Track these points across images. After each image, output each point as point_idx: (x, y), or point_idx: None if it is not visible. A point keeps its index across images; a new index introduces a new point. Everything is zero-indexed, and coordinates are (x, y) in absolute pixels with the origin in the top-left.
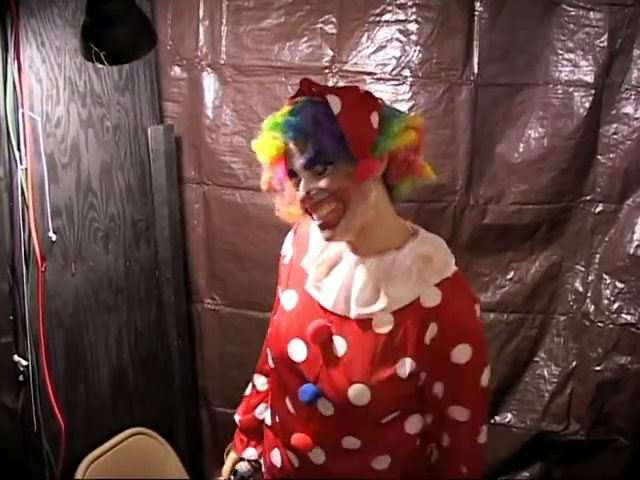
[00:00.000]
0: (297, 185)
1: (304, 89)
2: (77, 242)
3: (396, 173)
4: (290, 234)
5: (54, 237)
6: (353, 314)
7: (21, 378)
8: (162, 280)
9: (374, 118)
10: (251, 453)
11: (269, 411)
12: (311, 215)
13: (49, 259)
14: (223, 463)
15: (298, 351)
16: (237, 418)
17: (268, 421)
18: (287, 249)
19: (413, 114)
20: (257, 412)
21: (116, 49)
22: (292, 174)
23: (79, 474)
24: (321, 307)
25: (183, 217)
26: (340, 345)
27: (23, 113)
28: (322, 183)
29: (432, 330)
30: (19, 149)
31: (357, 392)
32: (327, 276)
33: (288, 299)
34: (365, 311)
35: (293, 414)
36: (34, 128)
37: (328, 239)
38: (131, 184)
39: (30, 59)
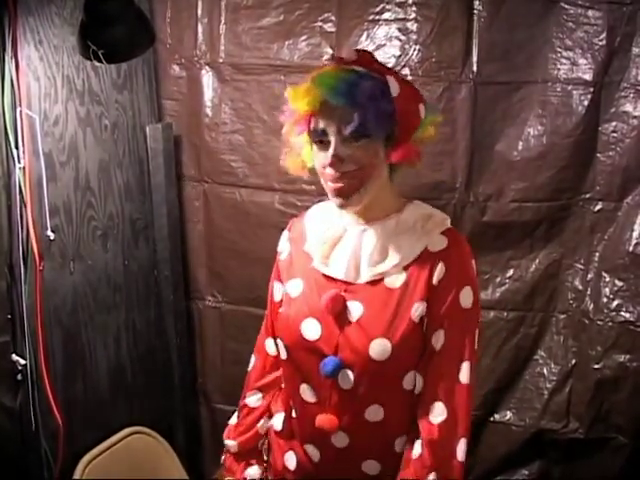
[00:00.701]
0: (320, 145)
1: (364, 61)
2: (75, 241)
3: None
4: (285, 232)
5: (52, 236)
6: (365, 277)
7: (19, 377)
8: (161, 278)
9: (422, 108)
10: (255, 472)
11: (279, 416)
12: (326, 182)
13: (47, 258)
14: (222, 464)
15: (312, 330)
16: (231, 443)
17: (279, 426)
18: (283, 246)
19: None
20: (259, 426)
21: (114, 47)
22: (319, 133)
23: (77, 473)
24: (331, 280)
25: (183, 215)
26: (355, 309)
27: (21, 111)
28: (353, 153)
29: (440, 271)
30: (17, 147)
31: (378, 347)
32: (333, 251)
33: (293, 287)
34: (377, 271)
35: (311, 402)
36: (32, 126)
37: (341, 206)
38: (130, 183)
39: (28, 57)
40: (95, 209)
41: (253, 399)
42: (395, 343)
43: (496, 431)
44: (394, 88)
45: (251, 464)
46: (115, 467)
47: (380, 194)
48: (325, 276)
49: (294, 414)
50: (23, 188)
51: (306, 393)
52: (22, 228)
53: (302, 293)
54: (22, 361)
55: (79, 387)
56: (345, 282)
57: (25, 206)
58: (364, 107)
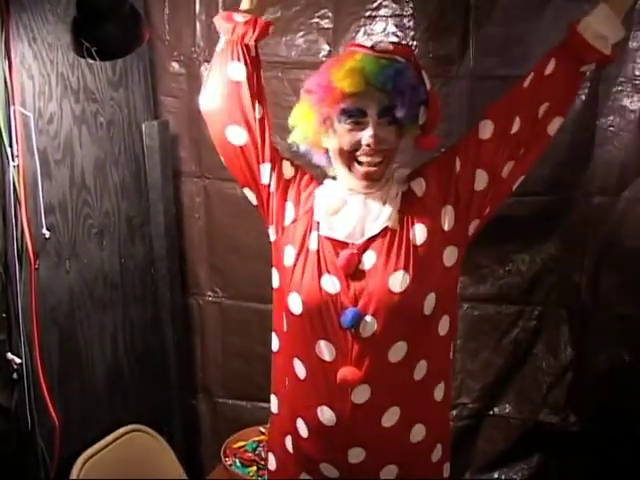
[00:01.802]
0: (354, 125)
1: (404, 53)
2: (71, 239)
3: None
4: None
5: (48, 234)
6: (372, 231)
7: (15, 376)
8: (158, 276)
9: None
10: None
11: (275, 400)
12: (352, 162)
13: (43, 256)
14: (221, 458)
15: (331, 285)
16: None
17: (275, 409)
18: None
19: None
20: None
21: (107, 44)
22: (355, 113)
23: (75, 472)
24: (339, 244)
25: (183, 211)
26: (369, 260)
27: (15, 110)
28: (386, 135)
29: (419, 183)
30: (11, 146)
31: (396, 278)
32: (336, 218)
33: (312, 242)
34: (379, 223)
35: (328, 360)
36: (26, 125)
37: (364, 188)
38: (126, 180)
39: (22, 55)
40: (91, 207)
41: None
42: (411, 272)
43: (495, 424)
44: (428, 82)
45: None
46: (112, 465)
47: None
48: (334, 241)
49: (304, 375)
50: (17, 186)
51: (323, 351)
52: (16, 227)
53: (317, 252)
54: (17, 360)
55: (76, 386)
56: (354, 244)
57: (19, 204)
58: (406, 94)
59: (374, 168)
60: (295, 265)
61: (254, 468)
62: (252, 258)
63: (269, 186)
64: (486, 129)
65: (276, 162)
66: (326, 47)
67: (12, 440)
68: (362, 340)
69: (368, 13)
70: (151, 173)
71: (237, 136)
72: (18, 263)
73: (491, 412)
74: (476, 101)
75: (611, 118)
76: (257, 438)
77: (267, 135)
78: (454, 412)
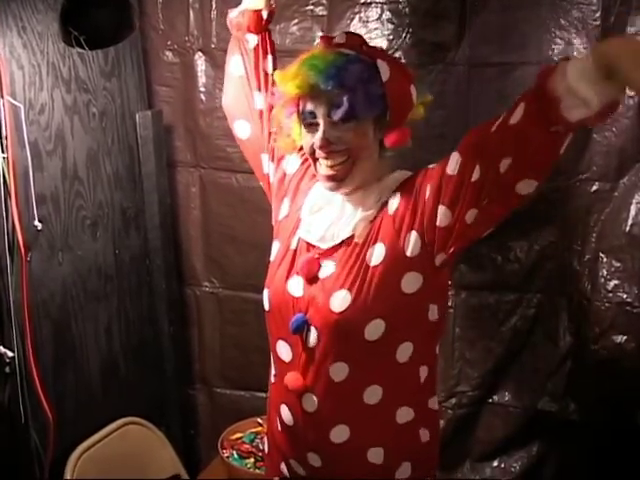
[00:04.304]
0: (309, 127)
1: (353, 44)
2: (64, 231)
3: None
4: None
5: (40, 226)
6: (338, 239)
7: (7, 370)
8: (153, 267)
9: (413, 91)
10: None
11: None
12: (315, 162)
13: (35, 248)
14: (219, 450)
15: (297, 287)
16: None
17: (271, 379)
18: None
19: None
20: None
21: (96, 33)
22: (307, 115)
23: (70, 466)
24: (309, 246)
25: (178, 201)
26: (327, 268)
27: (4, 100)
28: (342, 135)
29: (399, 195)
30: (0, 137)
31: (337, 298)
32: (312, 218)
33: (284, 209)
34: (348, 230)
35: (285, 361)
36: (16, 116)
37: (332, 190)
38: (119, 171)
39: (11, 45)
40: (84, 198)
41: None
42: (353, 292)
43: (494, 413)
44: (384, 71)
45: None
46: (108, 459)
47: (368, 170)
48: (307, 242)
49: (273, 373)
50: (7, 178)
51: (281, 351)
52: (7, 219)
53: (294, 251)
54: (10, 353)
55: (70, 379)
56: (321, 248)
57: (10, 196)
58: (353, 90)
59: (333, 170)
60: (275, 262)
61: (252, 460)
62: (249, 248)
63: (268, 176)
64: (453, 163)
65: (275, 154)
66: (321, 35)
67: (5, 435)
68: (308, 349)
69: (363, 0)
70: (145, 163)
71: (243, 129)
72: (9, 256)
73: (490, 400)
74: (473, 89)
75: None
76: (255, 430)
77: (265, 126)
78: (453, 400)
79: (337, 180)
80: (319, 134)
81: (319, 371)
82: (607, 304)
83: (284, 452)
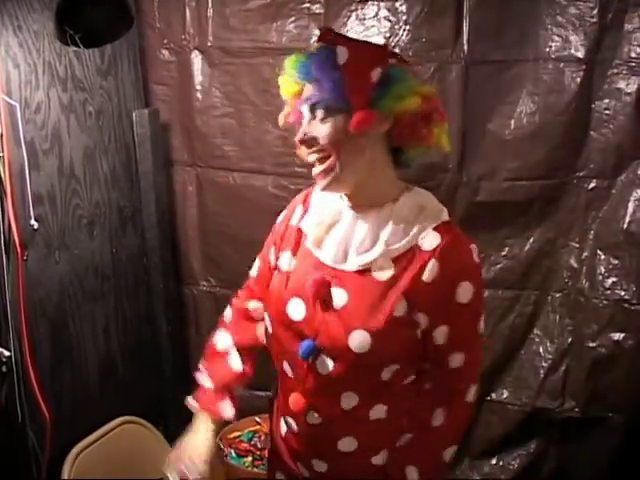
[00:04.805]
0: (300, 125)
1: (323, 36)
2: (60, 230)
3: (398, 136)
4: (299, 199)
5: (36, 225)
6: (353, 265)
7: (4, 369)
8: (150, 266)
9: (375, 73)
10: (229, 411)
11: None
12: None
13: (32, 247)
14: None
15: (297, 310)
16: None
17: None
18: (294, 218)
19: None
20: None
21: (91, 31)
22: (299, 114)
23: (67, 465)
24: (320, 264)
25: (176, 200)
26: (340, 297)
27: (0, 99)
28: (318, 130)
29: (432, 268)
30: None
31: (357, 338)
32: (326, 234)
33: (285, 261)
34: (364, 259)
35: (292, 377)
36: (13, 114)
37: (322, 189)
38: (116, 170)
39: (7, 44)
40: (80, 197)
41: (251, 304)
42: (375, 336)
43: (492, 410)
44: (341, 56)
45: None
46: (106, 458)
47: (374, 180)
48: (316, 258)
49: (279, 381)
50: (3, 177)
51: (287, 370)
52: (3, 218)
53: (292, 271)
54: (6, 353)
55: (67, 378)
56: (334, 268)
57: (6, 195)
58: (317, 80)
59: (320, 164)
60: (272, 285)
61: (249, 458)
62: (246, 246)
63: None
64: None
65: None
66: (317, 33)
67: (3, 434)
68: (318, 375)
69: None
70: (142, 162)
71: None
72: (5, 255)
73: (488, 398)
74: (470, 85)
75: (607, 101)
76: (253, 428)
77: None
78: None
79: (323, 177)
80: (300, 130)
81: (328, 397)
82: (605, 301)
83: (289, 456)
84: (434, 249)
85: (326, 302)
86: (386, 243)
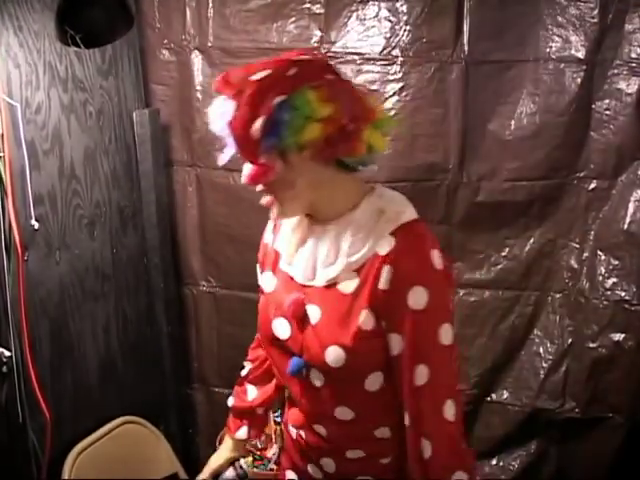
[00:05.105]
0: None
1: (218, 88)
2: (61, 230)
3: (325, 155)
4: (270, 222)
5: (37, 225)
6: (321, 281)
7: (4, 369)
8: (150, 266)
9: (257, 125)
10: (242, 433)
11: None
12: None
13: (32, 247)
14: (217, 449)
15: (282, 329)
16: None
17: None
18: (267, 236)
19: (323, 105)
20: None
21: (92, 31)
22: None
23: (67, 465)
24: (294, 283)
25: (175, 200)
26: (314, 314)
27: (1, 100)
28: (243, 172)
29: (386, 274)
30: None
31: (332, 354)
32: (297, 252)
33: (267, 282)
34: (329, 274)
35: (290, 392)
36: (13, 115)
37: (278, 219)
38: (116, 170)
39: (7, 44)
40: (81, 197)
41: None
42: (347, 350)
43: (492, 411)
44: (227, 111)
45: (243, 424)
46: (106, 458)
47: (326, 196)
48: (290, 277)
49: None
50: (4, 177)
51: (287, 385)
52: (4, 218)
53: (274, 291)
54: (7, 353)
55: (68, 378)
56: (305, 285)
57: (6, 196)
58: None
59: (266, 202)
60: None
61: (250, 458)
62: (246, 246)
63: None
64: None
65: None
66: (318, 33)
67: (3, 433)
68: (311, 389)
69: None
70: (142, 162)
71: None
72: (6, 255)
73: (489, 398)
74: (471, 86)
75: (607, 102)
76: None
77: None
78: None
79: (272, 208)
80: None
81: (324, 410)
82: (605, 302)
83: (299, 457)
84: (387, 254)
85: (303, 321)
86: (347, 255)
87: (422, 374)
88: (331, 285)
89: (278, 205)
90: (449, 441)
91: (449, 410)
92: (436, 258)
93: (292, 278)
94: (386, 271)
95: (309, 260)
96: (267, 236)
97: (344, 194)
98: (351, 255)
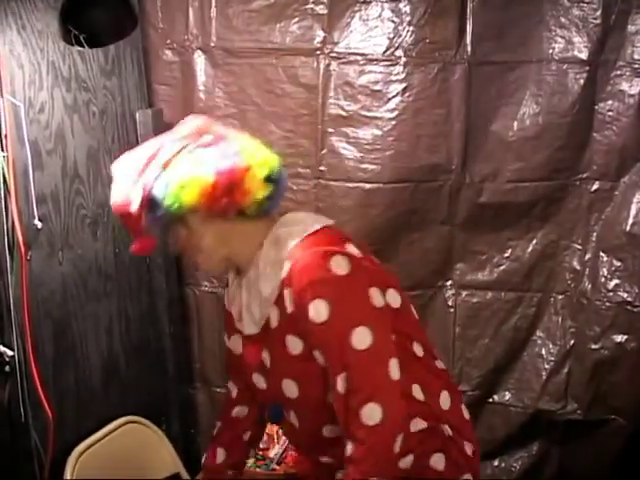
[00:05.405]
0: None
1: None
2: (64, 230)
3: (215, 214)
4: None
5: (40, 225)
6: (258, 326)
7: (7, 369)
8: (153, 266)
9: (135, 205)
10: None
11: None
12: None
13: (35, 247)
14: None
15: (259, 381)
16: None
17: None
18: (225, 301)
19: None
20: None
21: (95, 31)
22: None
23: (70, 465)
24: (245, 336)
25: None
26: (266, 357)
27: (4, 99)
28: (175, 236)
29: (288, 297)
30: (0, 136)
31: (287, 388)
32: (238, 307)
33: (234, 344)
34: (258, 317)
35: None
36: (16, 114)
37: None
38: None
39: (11, 43)
40: (84, 197)
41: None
42: (295, 380)
43: (494, 412)
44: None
45: None
46: (108, 458)
47: (237, 247)
48: (241, 332)
49: None
50: (7, 177)
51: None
52: (7, 218)
53: (242, 351)
54: (10, 352)
55: (70, 378)
56: (251, 335)
57: (9, 195)
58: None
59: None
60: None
61: (251, 459)
62: None
63: None
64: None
65: None
66: (321, 33)
67: (5, 433)
68: (294, 427)
69: None
70: None
71: None
72: (9, 254)
73: (491, 400)
74: (474, 87)
75: (610, 103)
76: None
77: None
78: None
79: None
80: None
81: (315, 442)
82: (608, 303)
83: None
84: (285, 278)
85: (265, 368)
86: (263, 292)
87: (342, 382)
88: (266, 325)
89: (199, 265)
90: (371, 446)
91: (371, 414)
92: (335, 265)
93: (241, 333)
94: (287, 294)
95: (246, 311)
96: (225, 301)
97: (253, 239)
98: (266, 291)
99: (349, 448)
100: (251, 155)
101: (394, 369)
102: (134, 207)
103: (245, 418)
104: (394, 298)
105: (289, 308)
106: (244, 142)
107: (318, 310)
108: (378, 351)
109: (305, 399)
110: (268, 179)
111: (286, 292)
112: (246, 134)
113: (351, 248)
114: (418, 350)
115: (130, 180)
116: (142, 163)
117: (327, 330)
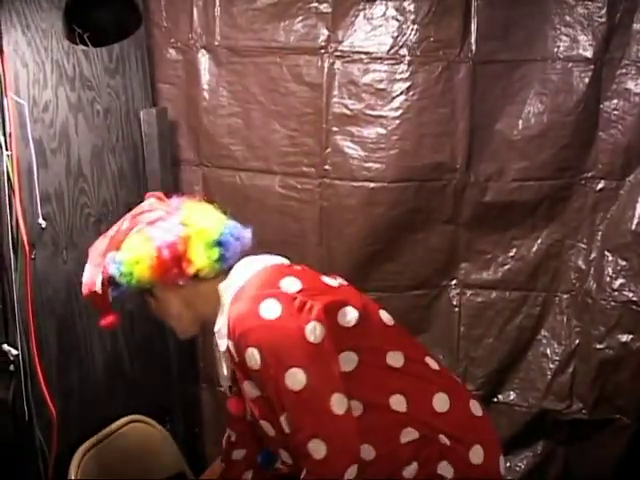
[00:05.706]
0: None
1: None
2: (68, 228)
3: (171, 283)
4: None
5: (44, 224)
6: (229, 380)
7: (11, 368)
8: None
9: (97, 285)
10: None
11: None
12: None
13: (39, 246)
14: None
15: (268, 428)
16: None
17: None
18: None
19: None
20: None
21: (99, 30)
22: None
23: (74, 464)
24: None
25: None
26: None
27: (9, 98)
28: (152, 304)
29: (231, 347)
30: (4, 135)
31: (266, 427)
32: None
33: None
34: (225, 372)
35: None
36: (21, 113)
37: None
38: (124, 168)
39: (15, 43)
40: (88, 196)
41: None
42: (266, 420)
43: (499, 412)
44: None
45: None
46: (112, 457)
47: (200, 307)
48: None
49: None
50: (11, 176)
51: None
52: (11, 217)
53: (227, 403)
54: (14, 351)
55: (74, 377)
56: (230, 387)
57: (14, 194)
58: None
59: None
60: None
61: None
62: (252, 246)
63: None
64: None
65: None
66: (325, 32)
67: (10, 432)
68: (288, 465)
69: None
70: (150, 161)
71: None
72: (13, 253)
73: (495, 399)
74: (478, 85)
75: (615, 101)
76: None
77: None
78: None
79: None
80: None
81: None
82: (613, 303)
83: None
84: (228, 331)
85: (251, 414)
86: (221, 347)
87: (285, 422)
88: (233, 376)
89: (174, 329)
90: (320, 476)
91: (316, 448)
92: (265, 310)
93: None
94: (230, 345)
95: (219, 367)
96: None
97: (213, 298)
98: (223, 346)
99: (302, 476)
100: (192, 225)
101: (337, 403)
102: (97, 287)
103: (244, 459)
104: (350, 316)
105: (235, 358)
106: (191, 213)
107: (252, 358)
108: (315, 389)
109: (283, 436)
110: (215, 243)
111: (230, 344)
112: (197, 202)
113: (287, 284)
114: (394, 360)
115: (94, 263)
116: (104, 245)
117: (263, 375)
